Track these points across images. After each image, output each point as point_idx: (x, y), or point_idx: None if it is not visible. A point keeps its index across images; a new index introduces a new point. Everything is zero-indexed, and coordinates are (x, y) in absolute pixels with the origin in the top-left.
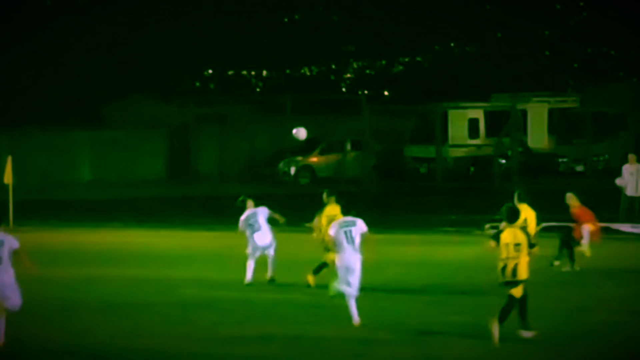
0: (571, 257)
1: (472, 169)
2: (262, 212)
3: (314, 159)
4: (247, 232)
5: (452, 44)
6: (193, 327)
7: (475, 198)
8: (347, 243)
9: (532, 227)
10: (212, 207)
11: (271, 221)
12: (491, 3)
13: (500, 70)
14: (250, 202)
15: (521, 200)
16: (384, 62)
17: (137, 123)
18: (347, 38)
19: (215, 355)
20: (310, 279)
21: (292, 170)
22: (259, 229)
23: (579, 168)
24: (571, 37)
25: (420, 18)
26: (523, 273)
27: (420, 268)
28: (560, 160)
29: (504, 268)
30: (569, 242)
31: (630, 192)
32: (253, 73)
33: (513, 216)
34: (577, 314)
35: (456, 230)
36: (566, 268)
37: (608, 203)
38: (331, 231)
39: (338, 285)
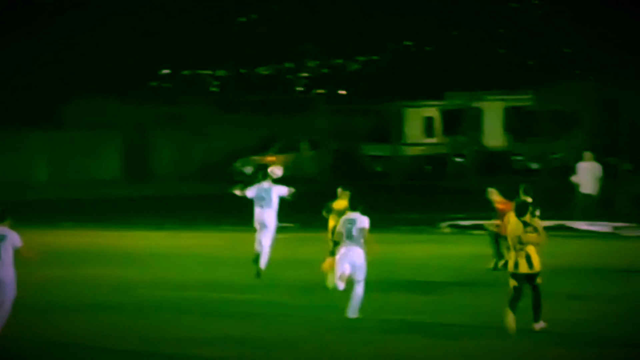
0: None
1: (427, 167)
2: (280, 191)
3: (270, 159)
4: (255, 204)
5: (407, 43)
6: (149, 328)
7: (431, 196)
8: (346, 239)
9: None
10: (169, 207)
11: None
12: (445, 2)
13: (455, 68)
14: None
15: (526, 195)
16: (339, 60)
17: (93, 123)
18: (302, 37)
19: (170, 355)
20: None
21: (249, 169)
22: (268, 206)
23: (535, 166)
24: (526, 35)
25: (375, 16)
26: (537, 264)
27: (375, 267)
28: (515, 158)
29: (516, 261)
30: (497, 239)
31: (585, 189)
32: (209, 72)
33: (522, 210)
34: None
35: (412, 229)
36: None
37: (564, 201)
38: (339, 226)
39: (336, 280)
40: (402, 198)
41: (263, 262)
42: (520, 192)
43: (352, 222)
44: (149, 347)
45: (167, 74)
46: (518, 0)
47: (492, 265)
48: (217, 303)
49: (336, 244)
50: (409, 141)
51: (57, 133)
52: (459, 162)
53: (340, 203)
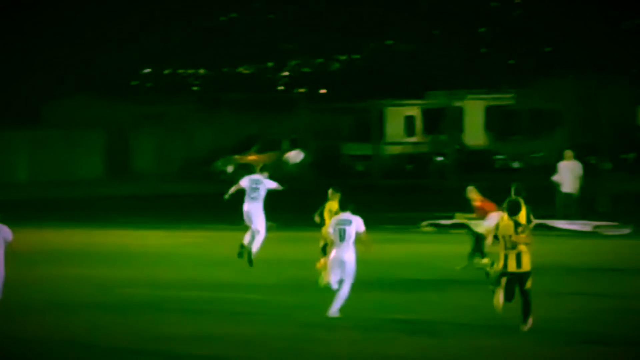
0: (477, 252)
1: (408, 166)
2: (269, 184)
3: (251, 158)
4: (246, 195)
5: (388, 42)
6: (131, 326)
7: (412, 195)
8: (340, 240)
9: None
10: (150, 205)
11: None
12: (426, 1)
13: (436, 67)
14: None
15: (517, 195)
16: (320, 60)
17: (74, 122)
18: (284, 36)
19: (152, 352)
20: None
21: (230, 168)
22: (256, 200)
23: (516, 165)
24: (507, 34)
25: (356, 16)
26: (527, 264)
27: (357, 265)
28: (496, 157)
29: (506, 260)
30: (478, 239)
31: (566, 188)
32: (190, 72)
33: (514, 209)
34: (514, 312)
35: (394, 228)
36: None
37: (545, 200)
38: (329, 227)
39: (328, 278)
40: (383, 197)
41: (255, 246)
42: (512, 191)
43: (344, 222)
44: (131, 345)
45: (149, 73)
46: None
47: (463, 265)
48: (198, 301)
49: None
50: (390, 140)
51: (38, 132)
52: (439, 161)
53: (332, 204)
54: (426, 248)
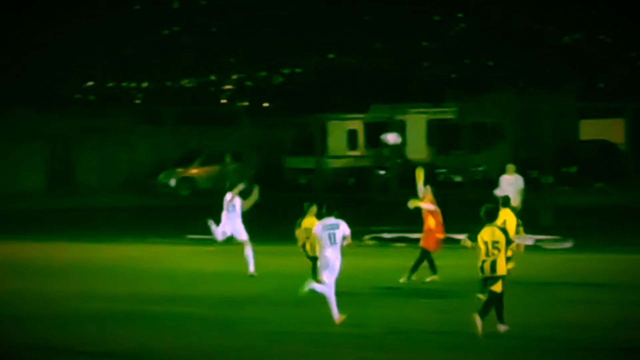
0: (418, 266)
1: (351, 180)
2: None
3: (194, 171)
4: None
5: (331, 56)
6: (76, 340)
7: (354, 209)
8: (330, 244)
9: (512, 229)
10: (93, 219)
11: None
12: (369, 14)
13: (379, 81)
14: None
15: (504, 206)
16: (263, 73)
17: (16, 135)
18: (226, 49)
19: None
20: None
21: (173, 181)
22: (233, 211)
23: (458, 179)
24: (449, 48)
25: (299, 29)
26: (502, 269)
27: (299, 279)
28: (438, 171)
29: (482, 265)
30: (425, 253)
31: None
32: (133, 85)
33: (490, 216)
34: (460, 326)
35: None
36: (431, 278)
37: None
38: (315, 230)
39: (311, 284)
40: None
41: (250, 264)
42: (500, 203)
43: (333, 227)
44: (71, 359)
45: (92, 86)
46: (441, 13)
47: (405, 279)
48: (140, 315)
49: (312, 259)
50: (333, 154)
51: None
52: (382, 175)
53: (310, 219)
54: (368, 262)
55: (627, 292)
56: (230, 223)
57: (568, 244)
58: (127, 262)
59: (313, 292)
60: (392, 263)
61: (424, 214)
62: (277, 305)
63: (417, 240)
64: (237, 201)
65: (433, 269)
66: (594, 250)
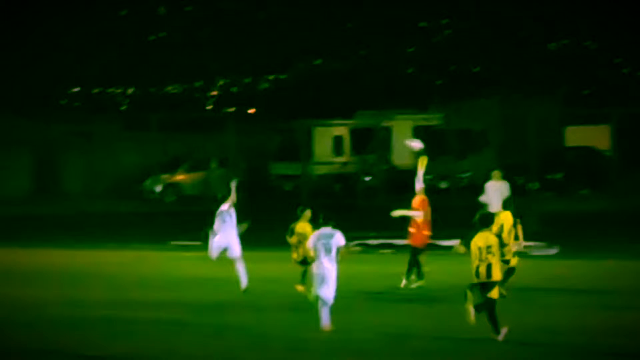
0: (413, 269)
1: (337, 186)
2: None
3: (180, 177)
4: (216, 226)
5: (317, 62)
6: (57, 345)
7: (339, 215)
8: (324, 255)
9: (507, 229)
10: (78, 225)
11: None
12: (354, 21)
13: (364, 87)
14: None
15: (505, 208)
16: (249, 79)
17: (2, 141)
18: (212, 55)
19: None
20: (300, 288)
21: (158, 188)
22: (229, 223)
23: (443, 185)
24: (435, 55)
25: (285, 36)
26: (497, 274)
27: (281, 284)
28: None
29: (477, 270)
30: (415, 255)
31: (494, 208)
32: (119, 91)
33: (485, 221)
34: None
35: None
36: (417, 284)
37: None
38: (310, 241)
39: (315, 291)
40: (311, 217)
41: (243, 278)
42: (503, 204)
43: (327, 237)
44: None
45: (77, 92)
46: (427, 19)
47: (402, 284)
48: (124, 321)
49: (302, 263)
50: (318, 160)
51: None
52: (367, 181)
53: (303, 224)
54: (354, 268)
55: (612, 297)
56: (226, 236)
57: (554, 250)
58: (111, 268)
59: (319, 297)
60: (377, 269)
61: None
62: (261, 310)
63: (403, 246)
64: (233, 212)
65: (419, 274)
66: (578, 257)
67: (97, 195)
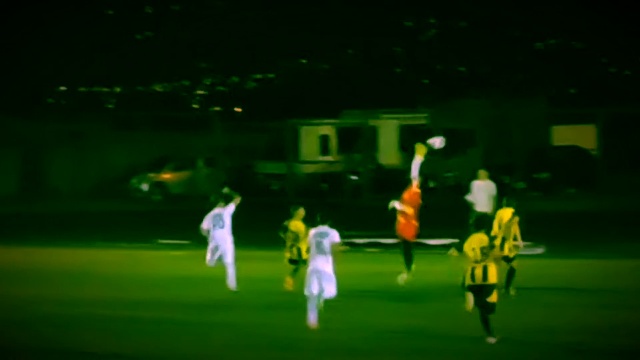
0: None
1: (323, 185)
2: (229, 210)
3: (166, 176)
4: (210, 229)
5: (303, 61)
6: (44, 344)
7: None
8: (318, 252)
9: (503, 225)
10: (65, 223)
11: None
12: (341, 20)
13: (351, 86)
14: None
15: (508, 205)
16: (235, 78)
17: None
18: (199, 54)
19: None
20: (289, 282)
21: (145, 186)
22: (222, 227)
23: (430, 184)
24: (421, 54)
25: (271, 35)
26: (493, 276)
27: (269, 284)
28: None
29: (473, 273)
30: (408, 249)
31: (480, 208)
32: (105, 90)
33: (480, 223)
34: (432, 331)
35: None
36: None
37: (458, 219)
38: (309, 238)
39: (306, 292)
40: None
41: (231, 282)
42: (503, 203)
43: (322, 235)
44: None
45: (64, 91)
46: (413, 19)
47: (404, 276)
48: (114, 320)
49: (292, 262)
50: (305, 159)
51: None
52: (354, 180)
53: (296, 223)
54: (340, 267)
55: (597, 296)
56: (220, 240)
57: (539, 250)
58: (99, 267)
59: (308, 296)
60: (364, 268)
61: (402, 205)
62: (250, 309)
63: (390, 245)
64: (228, 216)
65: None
66: (565, 256)
67: (84, 194)
